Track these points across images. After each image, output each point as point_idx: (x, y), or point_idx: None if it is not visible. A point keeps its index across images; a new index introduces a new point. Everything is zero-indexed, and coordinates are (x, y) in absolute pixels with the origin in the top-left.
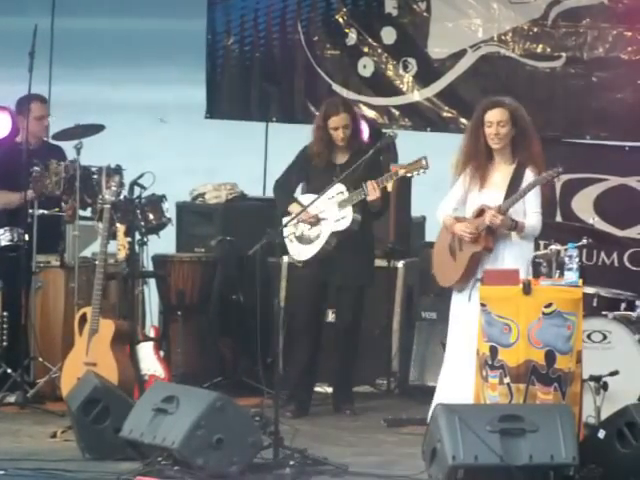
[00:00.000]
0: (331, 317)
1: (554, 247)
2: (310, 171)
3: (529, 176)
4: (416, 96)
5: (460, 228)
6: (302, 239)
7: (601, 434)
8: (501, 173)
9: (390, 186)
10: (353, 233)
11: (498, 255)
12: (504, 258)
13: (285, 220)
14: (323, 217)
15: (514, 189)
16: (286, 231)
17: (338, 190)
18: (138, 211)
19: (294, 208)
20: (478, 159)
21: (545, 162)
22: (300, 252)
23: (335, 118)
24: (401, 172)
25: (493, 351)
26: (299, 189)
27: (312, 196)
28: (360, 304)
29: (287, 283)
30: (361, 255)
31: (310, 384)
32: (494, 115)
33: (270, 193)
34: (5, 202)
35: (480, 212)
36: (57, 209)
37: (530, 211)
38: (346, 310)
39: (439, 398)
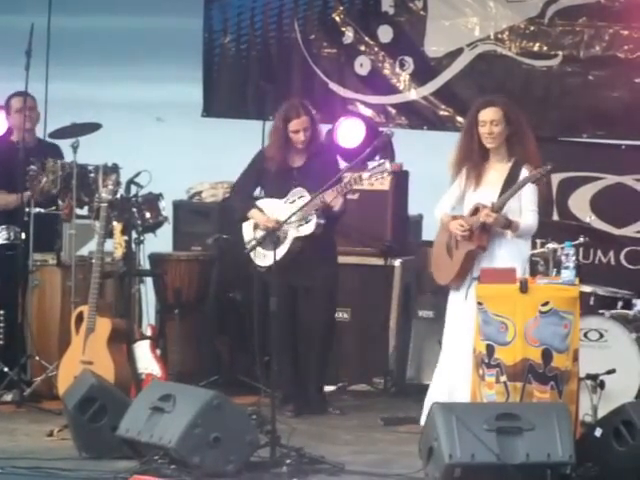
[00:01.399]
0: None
1: (551, 245)
2: (266, 174)
3: (525, 174)
4: (413, 95)
5: (454, 226)
6: (264, 244)
7: (598, 432)
8: (497, 172)
9: (387, 184)
10: (316, 236)
11: (494, 253)
12: (500, 256)
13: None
14: (286, 222)
15: (510, 187)
16: (247, 237)
17: (300, 194)
18: (135, 209)
19: (254, 213)
20: (473, 158)
21: (541, 160)
22: (264, 257)
23: (296, 121)
24: (364, 176)
25: (490, 349)
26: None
27: (270, 200)
28: (331, 305)
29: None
30: (325, 257)
31: (301, 383)
32: (487, 114)
33: None
34: (3, 204)
35: (475, 210)
36: (54, 207)
37: (526, 209)
38: (317, 312)
39: (432, 396)
